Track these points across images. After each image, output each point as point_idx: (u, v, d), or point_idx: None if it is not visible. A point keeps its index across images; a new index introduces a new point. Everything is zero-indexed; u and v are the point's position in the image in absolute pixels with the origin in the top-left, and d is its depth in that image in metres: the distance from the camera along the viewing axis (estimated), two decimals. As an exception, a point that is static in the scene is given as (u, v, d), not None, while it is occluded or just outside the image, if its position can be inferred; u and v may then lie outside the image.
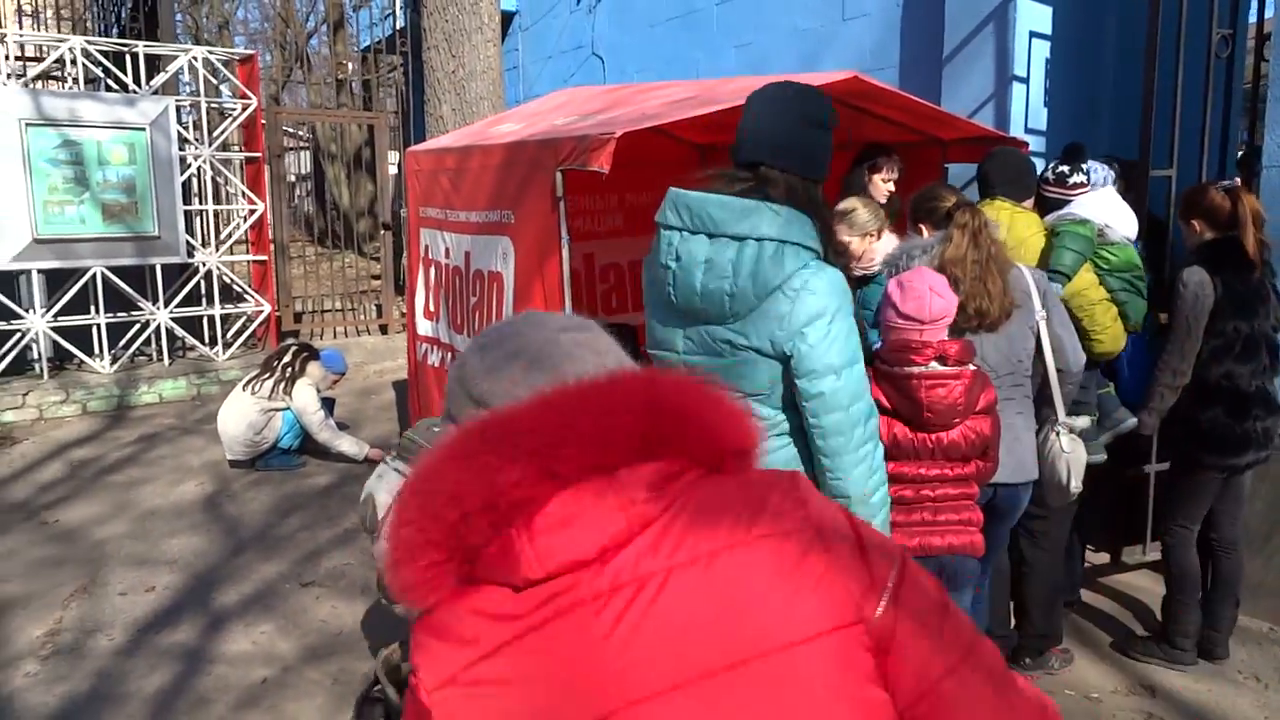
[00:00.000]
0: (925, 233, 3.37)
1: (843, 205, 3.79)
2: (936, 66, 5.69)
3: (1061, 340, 3.01)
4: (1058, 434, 2.97)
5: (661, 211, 2.30)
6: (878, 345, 2.81)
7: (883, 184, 4.44)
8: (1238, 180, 3.86)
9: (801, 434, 2.18)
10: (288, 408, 5.99)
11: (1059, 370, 3.02)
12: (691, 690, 0.87)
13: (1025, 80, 5.28)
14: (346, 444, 6.11)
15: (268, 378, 5.93)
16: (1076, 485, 2.98)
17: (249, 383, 5.95)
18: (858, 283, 3.75)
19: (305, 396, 5.95)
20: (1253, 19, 5.17)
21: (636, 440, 0.93)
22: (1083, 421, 3.12)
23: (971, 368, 2.65)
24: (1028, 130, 5.27)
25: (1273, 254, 3.84)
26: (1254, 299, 3.39)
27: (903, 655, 0.92)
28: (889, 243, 3.72)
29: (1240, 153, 4.52)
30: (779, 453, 2.19)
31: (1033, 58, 5.29)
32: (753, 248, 2.09)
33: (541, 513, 0.91)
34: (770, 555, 0.90)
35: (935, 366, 2.60)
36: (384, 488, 3.00)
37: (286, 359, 6.01)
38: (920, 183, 4.38)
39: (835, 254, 2.18)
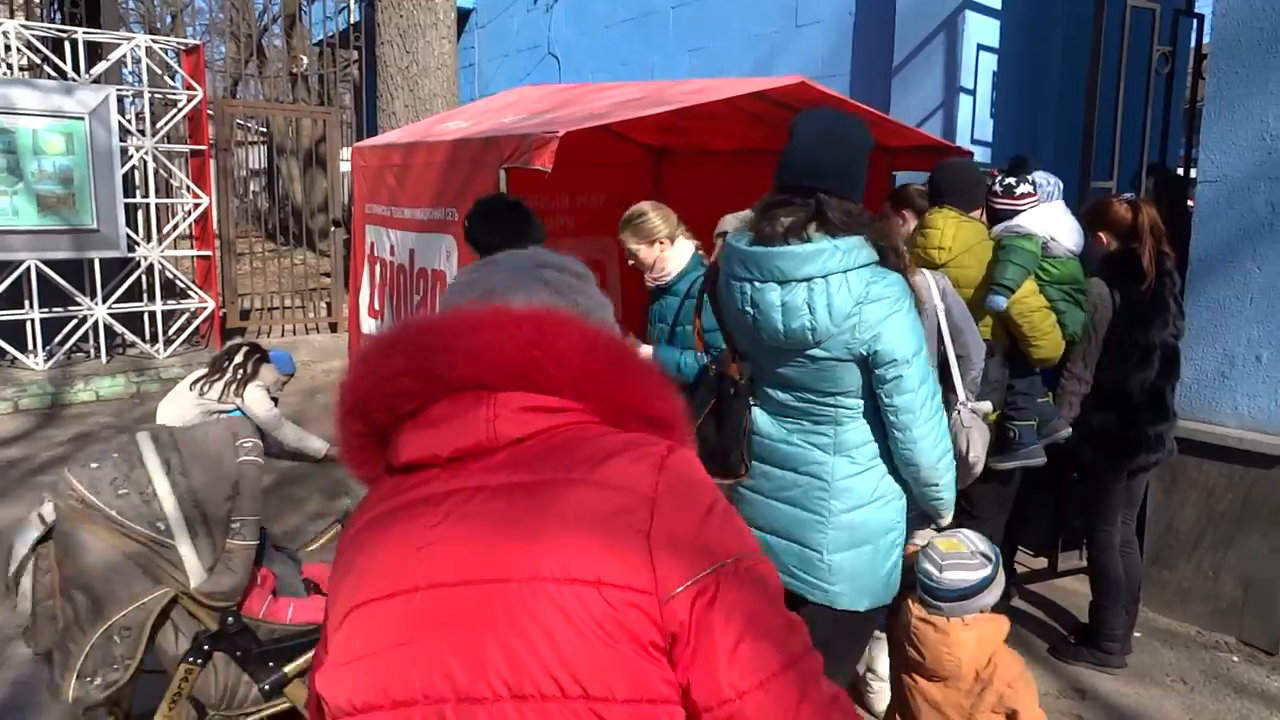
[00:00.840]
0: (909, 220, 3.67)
1: (632, 210, 3.58)
2: (886, 75, 5.74)
3: (961, 330, 3.09)
4: (958, 412, 3.03)
5: (728, 264, 2.46)
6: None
7: None
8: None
9: (877, 415, 2.35)
10: (234, 410, 5.84)
11: (959, 357, 3.10)
12: (470, 589, 0.96)
13: (972, 92, 5.34)
14: (314, 441, 5.98)
15: (217, 379, 5.74)
16: (976, 457, 3.04)
17: (197, 383, 5.78)
18: (652, 295, 3.65)
19: (258, 399, 5.79)
20: (1193, 42, 5.28)
21: (515, 367, 1.01)
22: (986, 406, 3.18)
23: None
24: (974, 140, 5.33)
25: (1195, 265, 3.91)
26: (1149, 310, 3.49)
27: (700, 651, 0.95)
28: (684, 251, 3.58)
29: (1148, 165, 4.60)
30: (852, 433, 2.36)
31: (980, 70, 5.35)
32: (821, 285, 2.25)
33: (425, 410, 1.03)
34: (585, 502, 0.97)
35: None
36: (20, 539, 2.64)
37: (238, 360, 5.81)
38: (867, 190, 4.40)
39: (895, 255, 2.35)
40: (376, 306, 5.58)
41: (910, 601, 2.36)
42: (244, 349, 5.89)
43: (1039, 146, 5.44)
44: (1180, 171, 5.71)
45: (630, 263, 3.70)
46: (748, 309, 2.37)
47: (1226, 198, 3.83)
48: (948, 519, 2.45)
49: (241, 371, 5.72)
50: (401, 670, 0.97)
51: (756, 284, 2.33)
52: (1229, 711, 3.38)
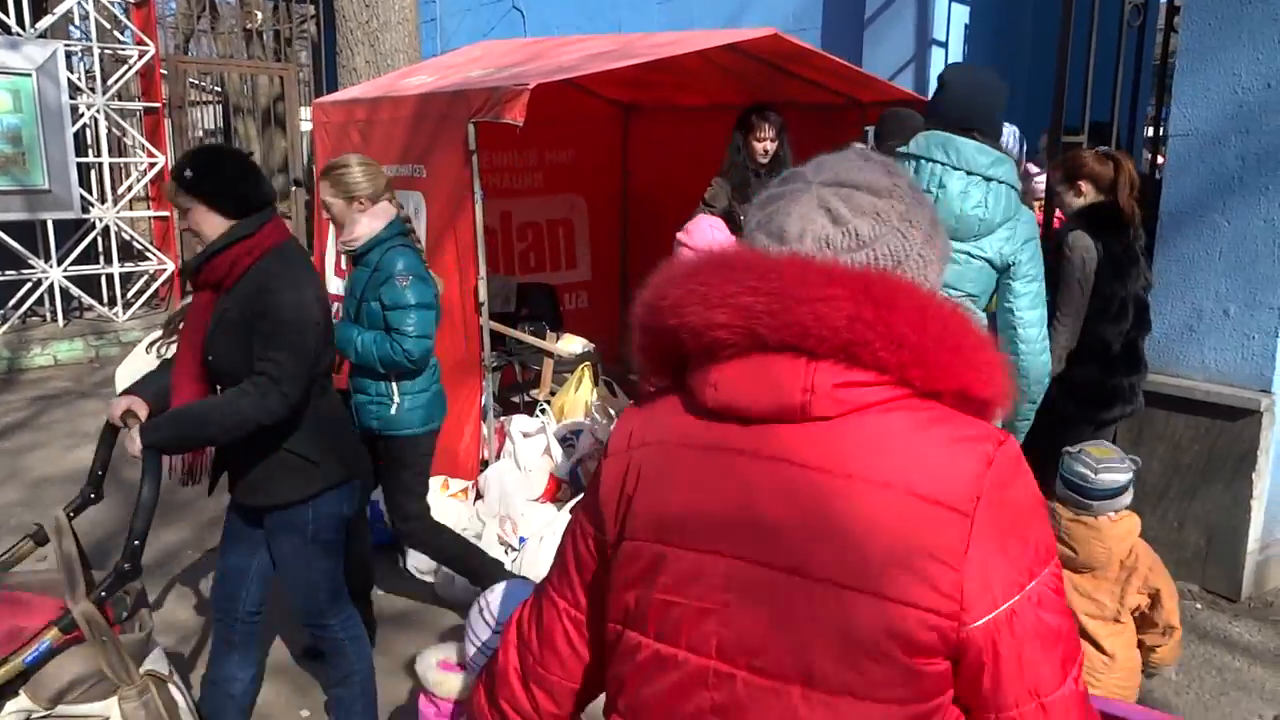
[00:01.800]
0: None
1: (335, 159, 3.26)
2: (858, 28, 5.68)
3: None
4: None
5: (920, 145, 2.85)
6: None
7: (757, 145, 4.28)
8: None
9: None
10: None
11: None
12: (780, 578, 0.99)
13: (944, 44, 5.31)
14: None
15: (174, 340, 5.66)
16: None
17: (153, 345, 5.66)
18: (350, 263, 3.32)
19: None
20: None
21: (841, 342, 0.98)
22: None
23: None
24: (945, 95, 5.31)
25: (1165, 219, 3.94)
26: (1128, 262, 3.51)
27: (989, 669, 0.98)
28: (381, 217, 3.15)
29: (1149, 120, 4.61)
30: None
31: (952, 22, 5.32)
32: (997, 187, 2.78)
33: (741, 358, 1.03)
34: (914, 514, 0.96)
35: None
36: None
37: None
38: (840, 144, 4.37)
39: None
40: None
41: (1056, 505, 2.59)
42: None
43: (1011, 99, 5.42)
44: (1150, 131, 5.73)
45: (324, 216, 3.40)
46: (933, 189, 2.76)
47: (1197, 151, 3.84)
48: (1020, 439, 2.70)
49: None
50: (702, 607, 1.04)
51: (950, 168, 2.76)
52: (1193, 656, 3.46)
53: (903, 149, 2.89)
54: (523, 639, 1.24)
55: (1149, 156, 4.84)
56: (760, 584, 1.01)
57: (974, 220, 2.76)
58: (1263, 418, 3.72)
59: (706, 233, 2.97)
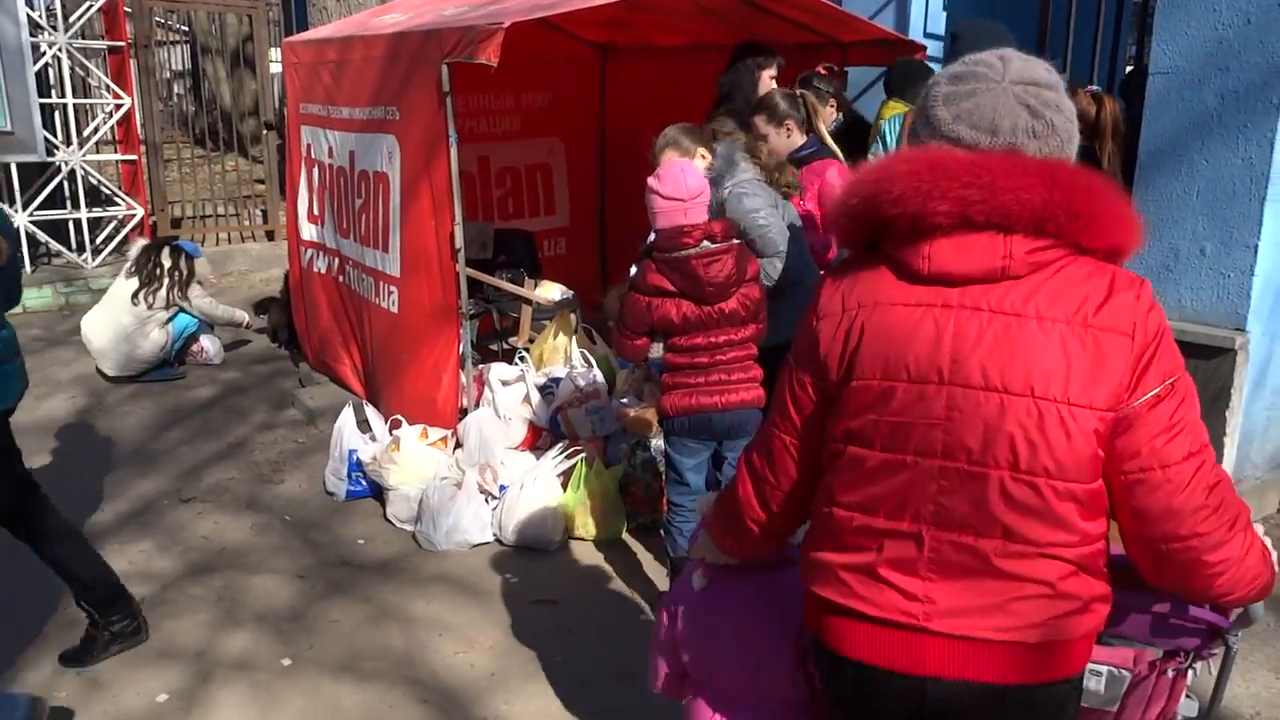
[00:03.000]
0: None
1: None
2: (838, -35, 5.57)
3: None
4: None
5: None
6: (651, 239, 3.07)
7: (772, 82, 4.31)
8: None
9: None
10: (178, 314, 5.73)
11: None
12: (993, 395, 1.32)
13: (926, -17, 5.22)
14: (239, 313, 6.19)
15: (157, 288, 5.59)
16: None
17: (138, 294, 5.58)
18: None
19: (200, 293, 5.86)
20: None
21: (1033, 220, 1.30)
22: None
23: (736, 242, 2.97)
24: (926, 34, 5.24)
25: (1145, 158, 3.93)
26: None
27: (1136, 438, 1.32)
28: None
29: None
30: None
31: (934, -41, 5.22)
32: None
33: (948, 236, 1.34)
34: (1089, 340, 1.30)
35: (707, 245, 2.90)
36: None
37: (167, 262, 5.66)
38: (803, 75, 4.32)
39: None
40: (316, 211, 5.39)
41: None
42: (166, 249, 5.73)
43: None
44: (1127, 68, 5.69)
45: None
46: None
47: (1177, 89, 3.82)
48: None
49: (179, 274, 5.69)
50: (929, 423, 1.36)
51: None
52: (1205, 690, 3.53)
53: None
54: (755, 472, 1.61)
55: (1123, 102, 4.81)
56: (974, 401, 1.33)
57: None
58: (1237, 356, 3.76)
59: (679, 178, 2.92)
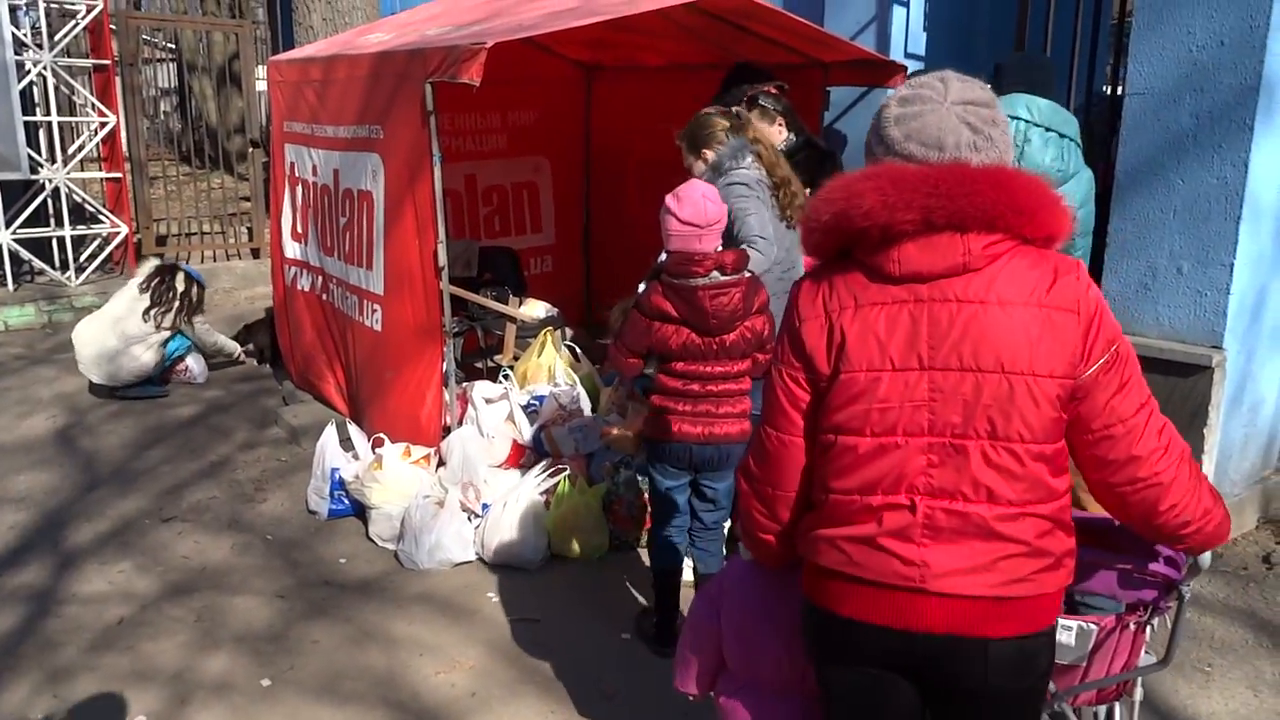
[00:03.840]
0: (709, 158, 3.48)
1: None
2: (820, -13, 5.63)
3: None
4: None
5: (1013, 106, 3.31)
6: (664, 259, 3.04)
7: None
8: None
9: None
10: (176, 335, 5.77)
11: None
12: (968, 375, 1.51)
13: (905, 4, 5.28)
14: (231, 344, 6.25)
15: (167, 310, 5.65)
16: None
17: (147, 313, 5.62)
18: None
19: (202, 319, 5.95)
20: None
21: (985, 219, 1.49)
22: None
23: (746, 274, 2.96)
24: (907, 55, 5.29)
25: (1122, 178, 3.97)
26: None
27: (1094, 401, 1.54)
28: None
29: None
30: None
31: (914, -20, 5.28)
32: (1072, 145, 3.39)
33: (913, 240, 1.52)
34: (1041, 319, 1.50)
35: (716, 276, 2.88)
36: None
37: (180, 288, 5.74)
38: (801, 106, 4.35)
39: None
40: (300, 229, 5.39)
41: None
42: (180, 274, 5.81)
43: (971, 60, 5.42)
44: (1108, 89, 5.76)
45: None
46: (1018, 142, 3.19)
47: (1153, 110, 3.86)
48: None
49: (189, 299, 5.82)
50: (914, 405, 1.54)
51: (1032, 125, 3.26)
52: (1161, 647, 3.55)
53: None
54: (755, 484, 1.74)
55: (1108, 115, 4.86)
56: (953, 381, 1.52)
57: (1055, 172, 3.22)
58: (1214, 373, 3.79)
59: (700, 204, 2.87)
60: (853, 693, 1.69)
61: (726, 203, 3.17)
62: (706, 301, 2.87)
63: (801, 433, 1.66)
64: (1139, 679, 2.12)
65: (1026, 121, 3.26)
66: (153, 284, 5.71)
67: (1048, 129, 3.35)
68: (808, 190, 3.50)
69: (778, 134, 4.06)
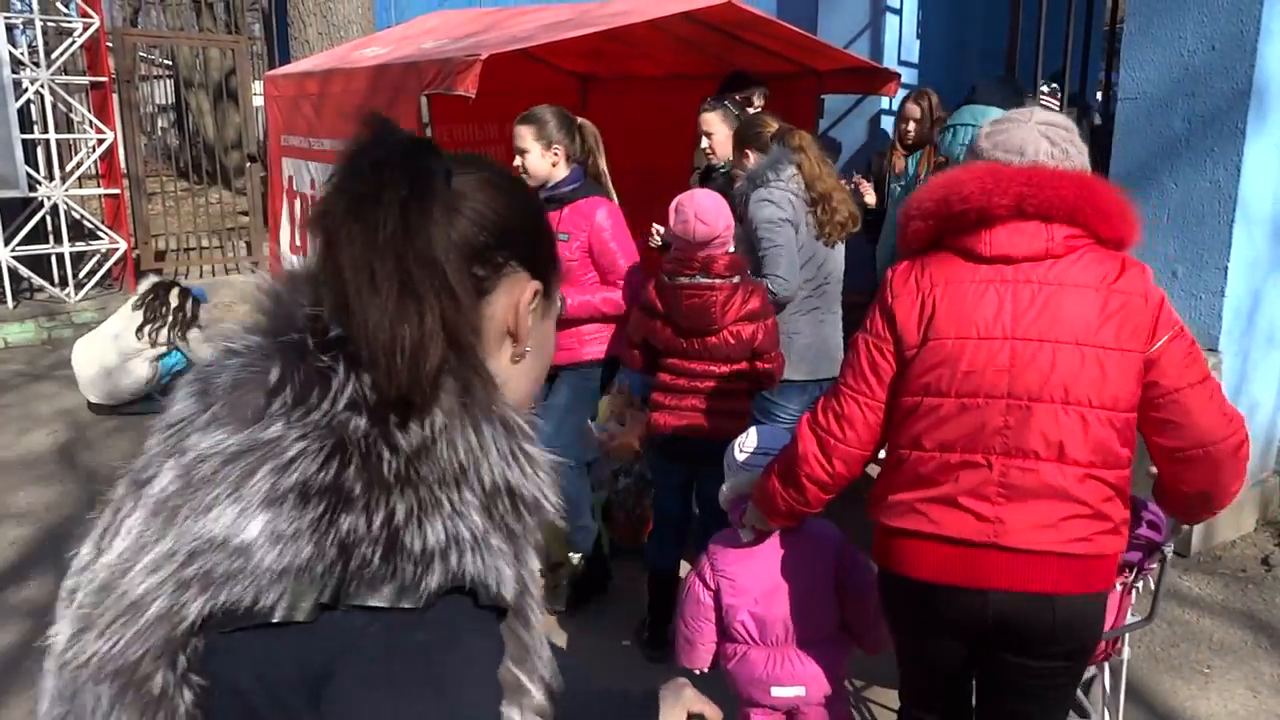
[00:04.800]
0: (751, 158, 3.45)
1: None
2: (813, -4, 5.67)
3: None
4: None
5: (959, 116, 3.56)
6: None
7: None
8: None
9: None
10: (173, 353, 5.75)
11: None
12: (1046, 345, 1.70)
13: (898, 11, 5.31)
14: None
15: (160, 325, 5.65)
16: None
17: (140, 329, 5.62)
18: None
19: (199, 337, 5.87)
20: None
21: (1069, 211, 1.71)
22: None
23: (735, 280, 2.92)
24: (901, 62, 5.32)
25: (1119, 182, 3.99)
26: None
27: (1162, 371, 1.71)
28: None
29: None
30: None
31: (906, -11, 5.32)
32: None
33: (1004, 225, 1.73)
34: (1113, 300, 1.70)
35: (699, 279, 2.90)
36: None
37: (174, 303, 5.74)
38: (795, 114, 4.37)
39: None
40: (298, 243, 5.41)
41: None
42: (175, 290, 5.80)
43: (964, 67, 5.46)
44: (1099, 94, 5.78)
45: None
46: (963, 141, 3.36)
47: (1146, 115, 3.89)
48: None
49: (183, 315, 5.76)
50: (996, 370, 1.72)
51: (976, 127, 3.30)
52: (1146, 609, 3.55)
53: (951, 121, 3.57)
54: (820, 428, 1.92)
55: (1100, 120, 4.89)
56: (1031, 351, 1.70)
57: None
58: (1210, 377, 3.81)
59: (690, 223, 2.88)
60: (926, 658, 1.93)
61: (754, 223, 3.17)
62: (682, 301, 2.92)
63: (877, 398, 1.86)
64: (1125, 636, 2.31)
65: (973, 126, 3.42)
66: (146, 301, 5.73)
67: None
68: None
69: (721, 145, 3.90)
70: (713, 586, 2.31)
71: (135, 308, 5.69)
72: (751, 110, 4.30)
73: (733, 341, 2.96)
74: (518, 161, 3.34)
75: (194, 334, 5.88)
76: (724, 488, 2.37)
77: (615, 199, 3.47)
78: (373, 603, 0.74)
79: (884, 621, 2.06)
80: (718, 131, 3.87)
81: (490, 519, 0.80)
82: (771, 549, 2.28)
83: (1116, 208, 1.73)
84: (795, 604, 2.23)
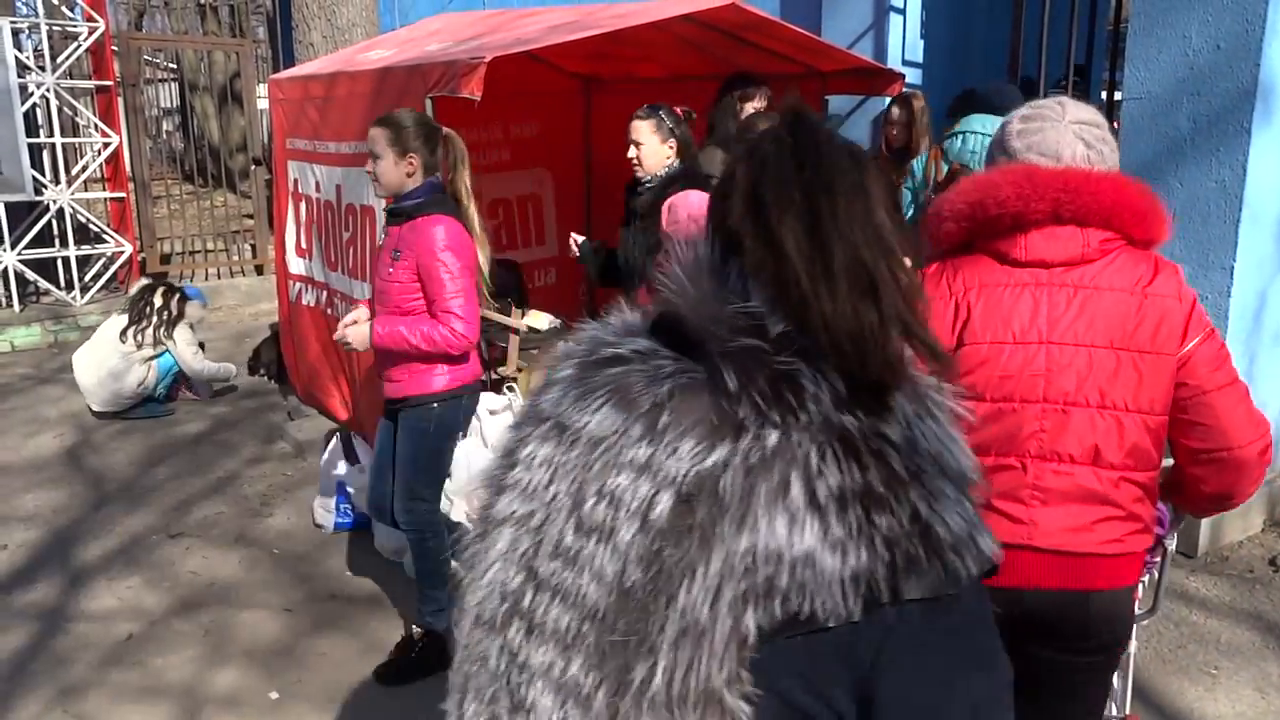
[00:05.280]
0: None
1: None
2: (817, -3, 5.67)
3: None
4: None
5: (966, 123, 3.73)
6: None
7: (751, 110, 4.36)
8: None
9: None
10: (164, 353, 5.72)
11: None
12: (1082, 349, 1.70)
13: (902, 11, 5.31)
14: (227, 368, 6.19)
15: (145, 326, 5.61)
16: None
17: (125, 332, 5.60)
18: None
19: (187, 338, 5.80)
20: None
21: (1104, 217, 1.71)
22: None
23: None
24: (905, 62, 5.32)
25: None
26: None
27: (1191, 372, 1.70)
28: None
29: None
30: None
31: (910, -11, 5.32)
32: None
33: (1039, 229, 1.73)
34: (1147, 304, 1.70)
35: None
36: None
37: (158, 302, 5.70)
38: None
39: None
40: (304, 245, 5.42)
41: None
42: (160, 289, 5.77)
43: (967, 67, 5.45)
44: (1103, 94, 5.77)
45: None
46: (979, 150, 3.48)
47: (1150, 114, 3.89)
48: None
49: (167, 313, 5.71)
50: (1032, 374, 1.72)
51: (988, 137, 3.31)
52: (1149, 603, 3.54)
53: (960, 128, 3.68)
54: None
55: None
56: (1068, 355, 1.70)
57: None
58: (1216, 377, 3.80)
59: (683, 224, 2.82)
60: None
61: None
62: None
63: None
64: (1133, 630, 2.31)
65: (983, 135, 3.59)
66: (132, 302, 5.72)
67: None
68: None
69: (664, 156, 3.55)
70: None
71: (120, 312, 5.70)
72: (754, 108, 4.31)
73: None
74: (369, 166, 3.09)
75: (183, 335, 5.78)
76: None
77: (473, 223, 3.17)
78: (917, 594, 0.78)
79: None
80: (647, 142, 3.51)
81: (968, 500, 0.86)
82: None
83: (1150, 209, 1.74)
84: None
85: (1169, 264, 1.76)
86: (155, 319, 5.64)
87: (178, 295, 5.81)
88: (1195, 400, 1.71)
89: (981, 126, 3.78)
